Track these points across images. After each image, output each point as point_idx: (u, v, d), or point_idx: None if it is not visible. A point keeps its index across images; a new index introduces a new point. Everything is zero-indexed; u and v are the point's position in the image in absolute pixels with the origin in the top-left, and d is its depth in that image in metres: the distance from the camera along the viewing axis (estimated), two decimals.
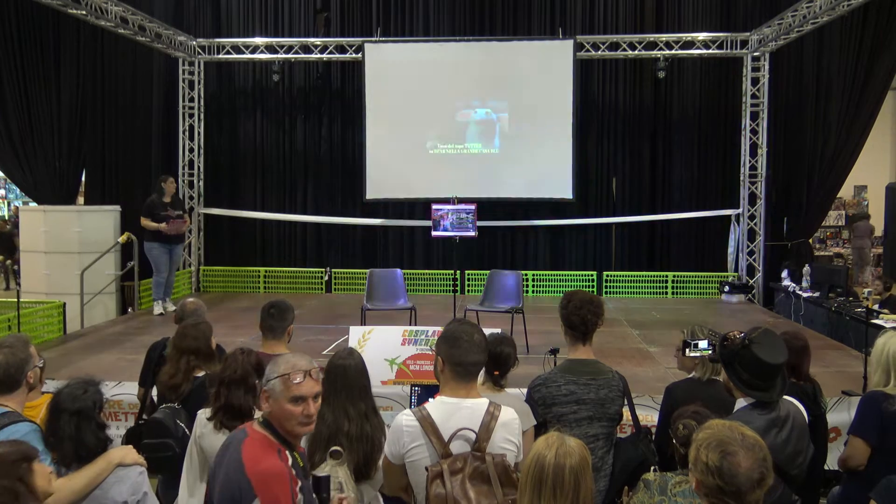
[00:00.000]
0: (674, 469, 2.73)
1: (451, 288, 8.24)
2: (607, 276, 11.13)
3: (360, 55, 11.00)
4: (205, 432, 3.03)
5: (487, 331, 3.00)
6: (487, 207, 10.51)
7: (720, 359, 2.85)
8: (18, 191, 15.16)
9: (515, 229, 11.42)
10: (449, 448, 2.47)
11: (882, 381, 3.25)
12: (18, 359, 2.90)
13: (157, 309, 9.01)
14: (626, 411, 3.28)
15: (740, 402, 2.78)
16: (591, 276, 11.13)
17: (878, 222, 13.20)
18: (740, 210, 11.02)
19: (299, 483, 2.32)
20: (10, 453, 2.09)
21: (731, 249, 11.11)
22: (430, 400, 2.62)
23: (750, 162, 10.93)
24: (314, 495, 2.38)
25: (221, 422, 2.99)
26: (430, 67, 10.99)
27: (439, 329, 5.32)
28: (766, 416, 2.69)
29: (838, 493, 3.57)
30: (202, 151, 11.65)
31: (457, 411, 2.53)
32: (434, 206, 7.62)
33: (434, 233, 7.66)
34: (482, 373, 3.20)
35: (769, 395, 2.71)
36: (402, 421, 2.55)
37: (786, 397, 2.85)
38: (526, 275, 10.70)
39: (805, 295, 9.12)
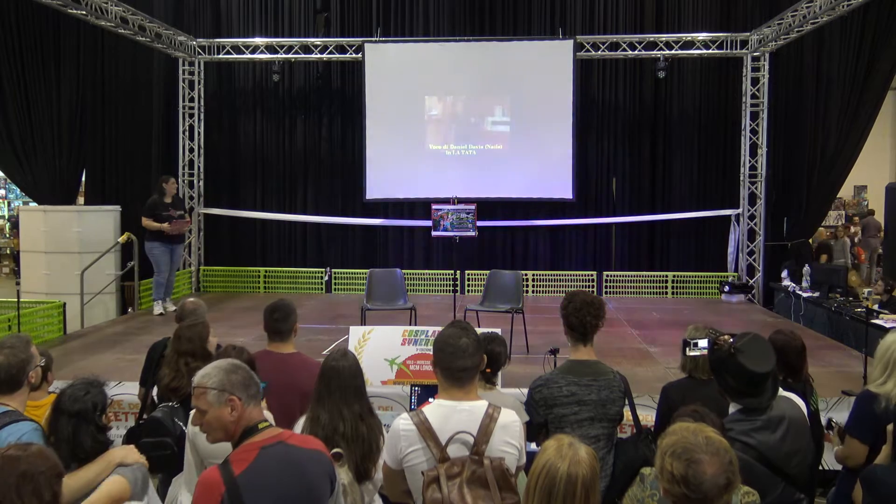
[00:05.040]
0: None
1: (451, 288, 8.24)
2: (607, 276, 11.12)
3: (360, 55, 11.00)
4: (199, 431, 3.02)
5: (481, 331, 3.00)
6: (487, 207, 10.52)
7: (709, 363, 2.85)
8: (18, 191, 15.15)
9: (515, 229, 11.42)
10: (446, 452, 2.44)
11: (878, 378, 3.23)
12: (20, 359, 2.91)
13: (158, 309, 9.01)
14: (626, 412, 3.28)
15: (734, 406, 2.79)
16: (591, 276, 11.13)
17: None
18: (740, 210, 11.02)
19: None
20: (42, 471, 2.08)
21: (731, 249, 11.11)
22: (430, 401, 2.61)
23: (750, 162, 10.94)
24: None
25: None
26: (430, 67, 10.99)
27: (439, 329, 5.34)
28: (760, 418, 2.70)
29: (837, 492, 3.57)
30: (202, 151, 11.65)
31: (454, 414, 2.50)
32: (434, 206, 7.62)
33: (434, 233, 7.66)
34: None
35: (758, 401, 2.70)
36: (399, 425, 2.53)
37: (786, 394, 2.86)
38: (526, 275, 10.71)
39: (805, 295, 9.11)
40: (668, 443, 1.97)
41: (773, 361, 2.75)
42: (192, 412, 2.38)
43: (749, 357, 2.68)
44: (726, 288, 10.62)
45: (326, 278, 11.40)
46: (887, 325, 6.58)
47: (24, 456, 2.11)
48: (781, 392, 2.84)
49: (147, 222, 8.74)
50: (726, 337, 2.84)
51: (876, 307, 7.56)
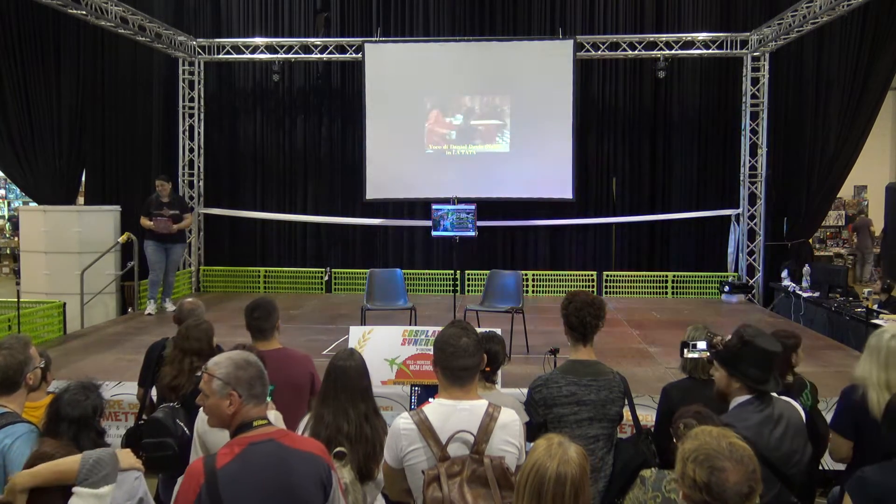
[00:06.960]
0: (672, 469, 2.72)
1: (451, 288, 8.23)
2: (607, 276, 11.12)
3: (360, 55, 11.00)
4: (207, 429, 3.02)
5: (479, 330, 3.00)
6: (487, 207, 10.51)
7: (721, 364, 2.85)
8: (18, 191, 15.15)
9: (515, 229, 11.42)
10: (446, 451, 2.45)
11: (866, 372, 3.17)
12: (17, 361, 2.90)
13: (149, 308, 8.98)
14: (626, 412, 3.28)
15: (735, 402, 2.81)
16: (591, 276, 11.13)
17: (878, 222, 13.22)
18: (740, 210, 11.02)
19: None
20: None
21: (731, 249, 11.11)
22: (430, 401, 2.61)
23: (750, 162, 10.93)
24: None
25: None
26: (430, 67, 10.99)
27: (439, 329, 5.34)
28: (761, 414, 2.72)
29: (837, 493, 3.57)
30: (202, 151, 11.65)
31: (454, 413, 2.51)
32: (434, 206, 7.62)
33: (434, 233, 7.66)
34: None
35: (770, 385, 2.77)
36: (399, 424, 2.54)
37: (783, 398, 2.86)
38: (526, 275, 10.71)
39: (805, 295, 9.12)
40: (690, 448, 1.93)
41: (778, 343, 2.89)
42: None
43: (763, 340, 2.79)
44: (726, 288, 10.61)
45: (326, 278, 11.39)
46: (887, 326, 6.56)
47: None
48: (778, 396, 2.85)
49: (142, 220, 8.85)
50: (719, 338, 2.96)
51: (875, 307, 7.55)
